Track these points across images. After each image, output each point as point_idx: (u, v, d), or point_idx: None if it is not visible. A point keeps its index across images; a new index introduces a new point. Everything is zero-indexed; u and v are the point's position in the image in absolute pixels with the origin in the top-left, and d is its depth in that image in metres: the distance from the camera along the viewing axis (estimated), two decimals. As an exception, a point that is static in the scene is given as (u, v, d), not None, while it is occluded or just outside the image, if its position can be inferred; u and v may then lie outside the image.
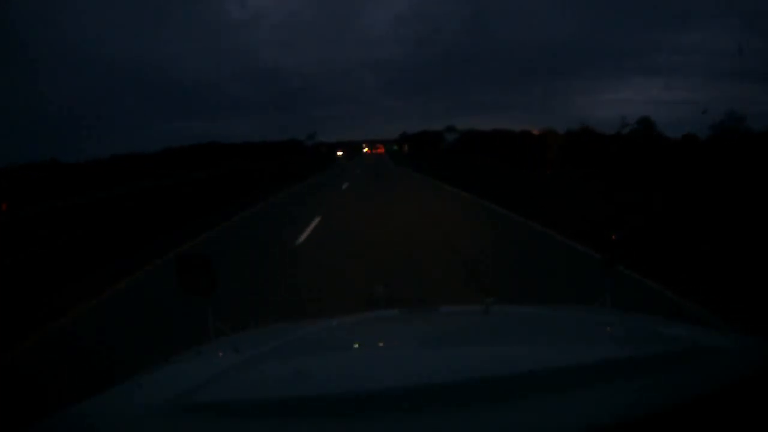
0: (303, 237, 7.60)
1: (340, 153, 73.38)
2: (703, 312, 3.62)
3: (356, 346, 1.33)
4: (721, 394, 0.79)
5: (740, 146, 16.12)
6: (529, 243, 7.01)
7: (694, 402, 0.77)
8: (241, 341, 1.36)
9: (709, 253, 5.13)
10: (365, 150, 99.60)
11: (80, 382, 2.74)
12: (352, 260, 5.78)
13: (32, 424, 0.85)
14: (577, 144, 22.75)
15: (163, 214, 11.14)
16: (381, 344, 1.34)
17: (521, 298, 3.99)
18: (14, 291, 5.27)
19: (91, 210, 12.36)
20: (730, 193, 9.12)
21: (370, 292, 2.36)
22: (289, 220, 9.71)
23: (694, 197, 9.20)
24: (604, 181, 12.54)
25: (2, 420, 2.42)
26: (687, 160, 15.46)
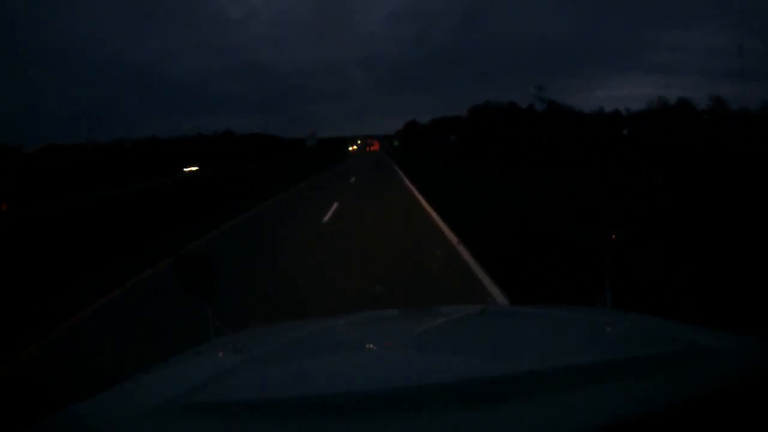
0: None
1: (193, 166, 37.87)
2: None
3: (356, 346, 1.33)
4: (721, 394, 0.79)
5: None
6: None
7: (694, 402, 0.77)
8: (241, 341, 1.36)
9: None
10: (351, 148, 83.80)
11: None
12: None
13: (32, 424, 0.85)
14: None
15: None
16: (381, 344, 1.34)
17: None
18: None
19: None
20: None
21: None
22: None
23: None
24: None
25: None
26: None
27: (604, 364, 0.94)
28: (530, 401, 0.78)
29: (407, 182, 17.58)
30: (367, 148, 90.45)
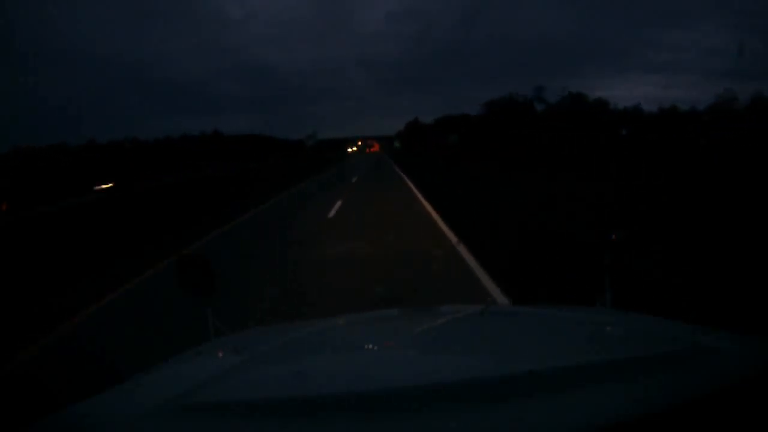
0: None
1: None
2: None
3: (356, 346, 1.33)
4: (721, 394, 0.79)
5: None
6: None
7: (695, 402, 0.77)
8: (241, 341, 1.36)
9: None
10: (350, 150, 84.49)
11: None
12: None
13: (32, 424, 0.85)
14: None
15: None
16: (381, 344, 1.34)
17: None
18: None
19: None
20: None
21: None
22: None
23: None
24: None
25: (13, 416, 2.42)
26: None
27: (604, 364, 0.94)
28: (530, 401, 0.77)
29: (407, 181, 17.83)
30: (367, 150, 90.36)
